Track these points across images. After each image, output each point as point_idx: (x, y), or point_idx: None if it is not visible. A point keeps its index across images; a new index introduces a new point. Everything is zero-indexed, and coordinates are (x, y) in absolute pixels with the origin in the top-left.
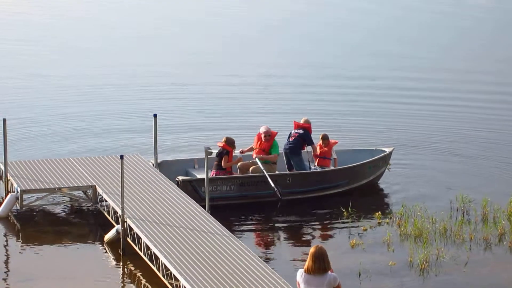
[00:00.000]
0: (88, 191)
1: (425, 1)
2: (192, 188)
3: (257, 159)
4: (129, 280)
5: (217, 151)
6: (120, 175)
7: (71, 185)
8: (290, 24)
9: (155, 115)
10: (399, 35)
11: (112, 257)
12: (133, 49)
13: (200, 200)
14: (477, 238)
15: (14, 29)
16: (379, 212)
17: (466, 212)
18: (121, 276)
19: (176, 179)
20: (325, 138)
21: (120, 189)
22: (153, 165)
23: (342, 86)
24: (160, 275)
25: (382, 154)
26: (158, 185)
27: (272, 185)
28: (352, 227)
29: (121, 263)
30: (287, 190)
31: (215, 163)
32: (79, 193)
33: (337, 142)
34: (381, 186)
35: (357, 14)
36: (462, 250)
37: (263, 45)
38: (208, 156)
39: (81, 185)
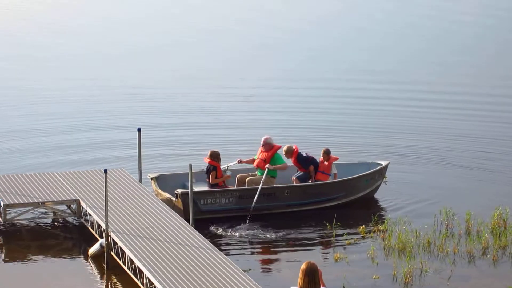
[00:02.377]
0: (72, 205)
1: (416, 18)
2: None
3: (267, 169)
4: None
5: (205, 167)
6: (104, 189)
7: (55, 199)
8: (283, 40)
9: (139, 129)
10: (394, 50)
11: (96, 271)
12: (120, 62)
13: (199, 213)
14: (461, 252)
15: None
16: (363, 226)
17: (450, 226)
18: None
19: (175, 191)
20: (327, 153)
21: (104, 203)
22: (138, 179)
23: (336, 100)
24: None
25: (379, 167)
26: (142, 199)
27: (255, 199)
28: (336, 241)
29: (105, 277)
30: (286, 202)
31: (206, 179)
32: (63, 207)
33: (337, 159)
34: (365, 200)
35: (354, 30)
36: (446, 263)
37: (253, 59)
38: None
39: (65, 199)
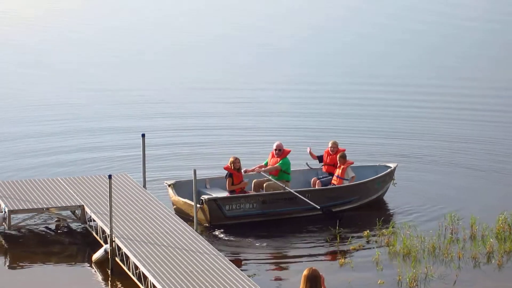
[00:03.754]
0: (76, 211)
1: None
2: (217, 207)
3: (262, 173)
4: None
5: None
6: (108, 194)
7: (59, 205)
8: (288, 45)
9: (143, 135)
10: (401, 54)
11: (101, 277)
12: (122, 68)
13: (224, 218)
14: (466, 257)
15: None
16: (368, 231)
17: (455, 231)
18: None
19: (201, 198)
20: (343, 157)
21: (109, 209)
22: (142, 184)
23: (342, 102)
24: None
25: (389, 170)
26: (147, 204)
27: (307, 200)
28: (341, 246)
29: (110, 283)
30: (305, 206)
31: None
32: (67, 213)
33: (353, 163)
34: (370, 203)
35: (360, 35)
36: (451, 268)
37: (257, 64)
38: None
39: (69, 205)
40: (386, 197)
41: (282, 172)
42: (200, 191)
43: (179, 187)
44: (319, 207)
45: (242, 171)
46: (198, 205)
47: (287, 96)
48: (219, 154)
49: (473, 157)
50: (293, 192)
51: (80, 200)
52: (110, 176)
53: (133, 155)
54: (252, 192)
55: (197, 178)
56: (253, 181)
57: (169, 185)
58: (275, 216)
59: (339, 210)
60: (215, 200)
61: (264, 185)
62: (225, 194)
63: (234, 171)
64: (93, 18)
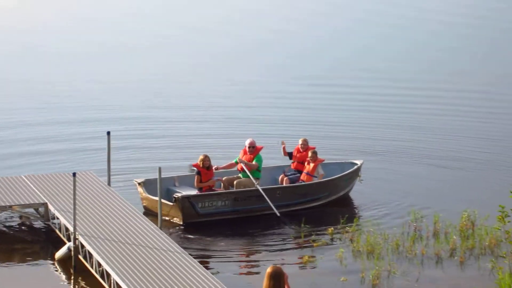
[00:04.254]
0: (39, 208)
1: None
2: (190, 204)
3: (242, 161)
4: None
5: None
6: (72, 192)
7: (23, 203)
8: (264, 41)
9: (108, 133)
10: (374, 49)
11: (64, 275)
12: (89, 65)
13: (197, 216)
14: (429, 254)
15: None
16: (332, 228)
17: (418, 228)
18: None
19: (174, 196)
20: (315, 153)
21: (73, 207)
22: (107, 182)
23: (306, 96)
24: None
25: (357, 166)
26: (111, 202)
27: (269, 202)
28: (305, 243)
29: (73, 281)
30: (276, 203)
31: None
32: (31, 211)
33: (324, 160)
34: (334, 201)
35: (336, 30)
36: (414, 265)
37: (231, 60)
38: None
39: (32, 202)
40: (351, 194)
41: (254, 171)
42: (169, 189)
43: (149, 185)
44: (279, 215)
45: (213, 168)
46: (170, 203)
47: (253, 91)
48: (186, 150)
49: (438, 154)
50: (261, 191)
51: (43, 198)
52: (74, 174)
53: (98, 153)
54: (222, 190)
55: (166, 176)
56: (223, 178)
57: (139, 183)
58: (247, 213)
59: (306, 207)
60: (188, 197)
61: (235, 182)
62: (194, 191)
63: (203, 169)
64: (59, 8)
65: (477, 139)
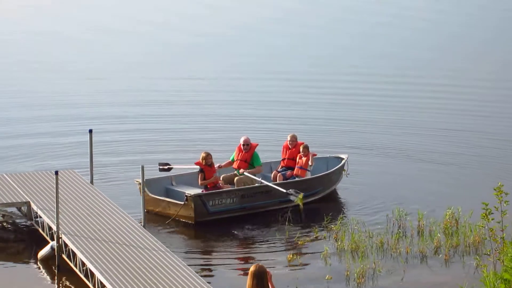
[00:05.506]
0: (22, 207)
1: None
2: (201, 203)
3: (245, 173)
4: None
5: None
6: (55, 191)
7: (5, 201)
8: (239, 35)
9: (90, 131)
10: (354, 46)
11: (47, 274)
12: (72, 62)
13: (207, 214)
14: (413, 251)
15: None
16: (317, 226)
17: (403, 226)
18: None
19: (186, 194)
20: (306, 147)
21: (55, 205)
22: (90, 181)
23: (292, 90)
24: None
25: (344, 161)
26: (94, 201)
27: (285, 191)
28: (289, 241)
29: (56, 280)
30: (278, 199)
31: None
32: (13, 210)
33: (316, 154)
34: (318, 198)
35: (315, 29)
36: (399, 263)
37: (204, 54)
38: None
39: (15, 201)
40: (334, 191)
41: (252, 167)
42: (168, 189)
43: (149, 184)
44: (292, 194)
45: (216, 166)
46: (181, 202)
47: (237, 86)
48: (171, 148)
49: (422, 150)
50: (271, 184)
51: (26, 197)
52: (56, 172)
53: (80, 151)
54: (222, 182)
55: (163, 176)
56: (222, 176)
57: (139, 183)
58: (253, 210)
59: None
60: (199, 196)
61: (235, 179)
62: (194, 190)
63: (206, 166)
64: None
65: (461, 136)
